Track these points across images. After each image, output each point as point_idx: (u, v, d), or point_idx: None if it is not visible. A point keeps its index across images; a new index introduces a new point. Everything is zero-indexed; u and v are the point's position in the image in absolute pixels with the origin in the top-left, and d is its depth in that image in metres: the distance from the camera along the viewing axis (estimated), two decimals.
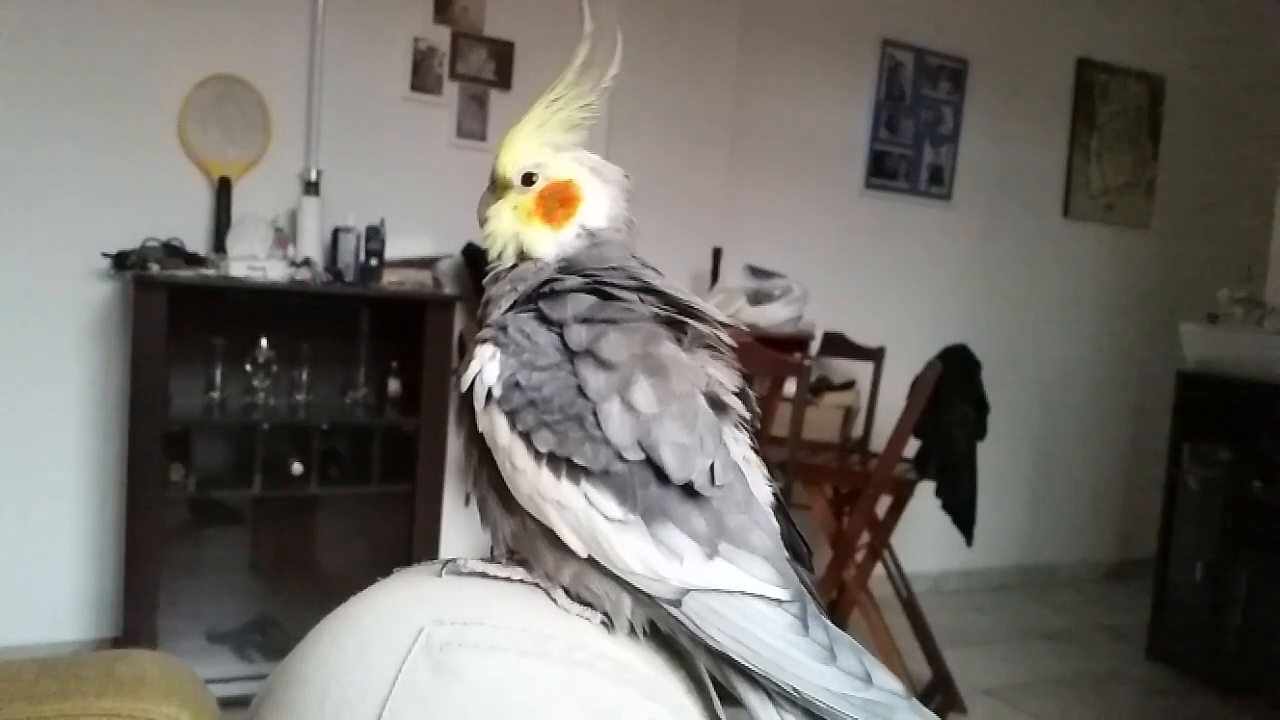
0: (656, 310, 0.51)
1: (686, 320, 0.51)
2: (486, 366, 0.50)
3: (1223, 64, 4.36)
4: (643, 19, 3.23)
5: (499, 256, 0.54)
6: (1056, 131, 4.18)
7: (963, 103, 3.91)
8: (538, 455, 0.48)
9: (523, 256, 0.54)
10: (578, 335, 0.49)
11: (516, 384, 0.49)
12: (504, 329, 0.51)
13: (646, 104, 3.23)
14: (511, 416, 0.48)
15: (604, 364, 0.48)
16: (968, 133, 3.93)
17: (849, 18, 3.67)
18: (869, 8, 3.71)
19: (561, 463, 0.47)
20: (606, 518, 0.47)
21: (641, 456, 0.47)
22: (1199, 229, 4.40)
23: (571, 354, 0.48)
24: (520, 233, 0.54)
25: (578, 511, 0.47)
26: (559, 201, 0.53)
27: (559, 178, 0.54)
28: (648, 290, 0.52)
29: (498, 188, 0.55)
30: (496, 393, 0.49)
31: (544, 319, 0.50)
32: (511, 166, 0.54)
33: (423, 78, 2.97)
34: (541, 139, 0.54)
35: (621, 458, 0.47)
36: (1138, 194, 4.39)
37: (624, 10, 3.20)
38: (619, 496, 0.47)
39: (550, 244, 0.53)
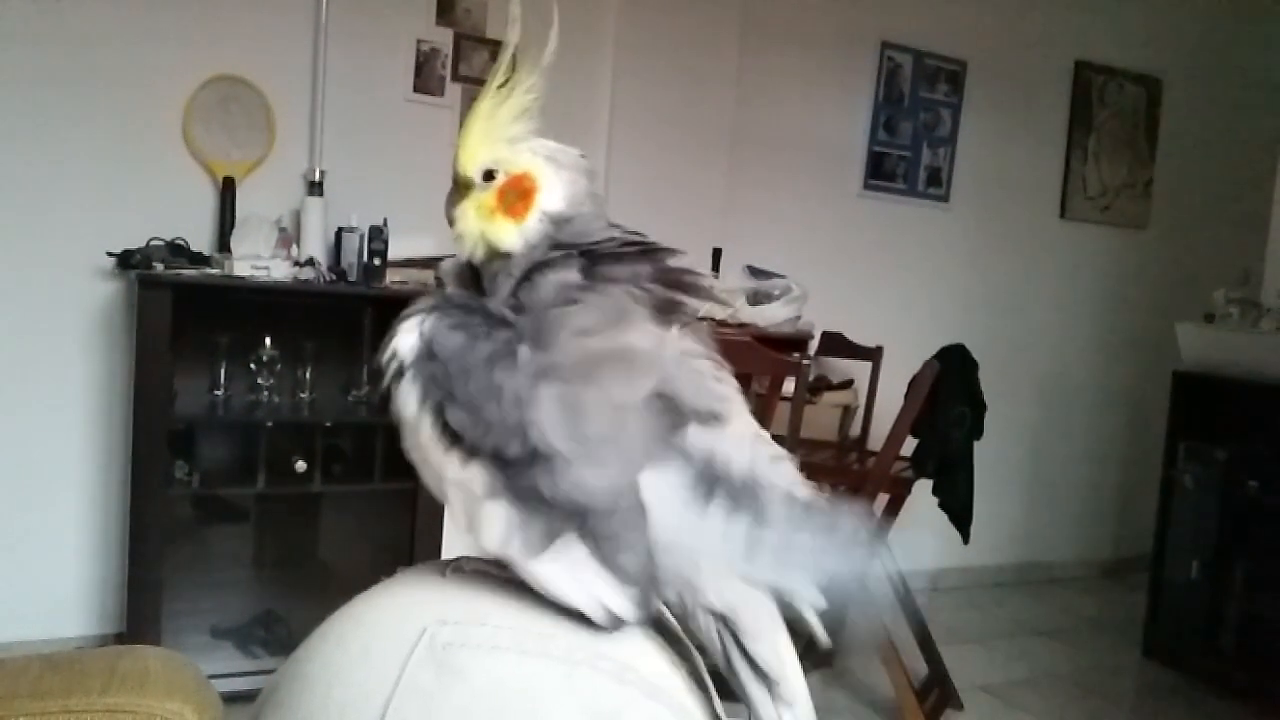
0: (648, 286, 0.51)
1: (678, 296, 0.51)
2: (403, 340, 0.51)
3: (1220, 65, 4.37)
4: (643, 19, 3.23)
5: (471, 255, 0.55)
6: (1054, 133, 4.18)
7: (961, 105, 3.91)
8: (442, 436, 0.48)
9: (493, 253, 0.54)
10: (525, 320, 0.49)
11: (431, 355, 0.49)
12: (433, 303, 0.51)
13: (646, 104, 3.24)
14: (422, 391, 0.49)
15: (541, 347, 0.48)
16: (966, 134, 3.94)
17: (848, 20, 3.67)
18: (868, 10, 3.71)
19: (461, 442, 0.48)
20: (477, 493, 0.48)
21: (538, 445, 0.46)
22: (1195, 230, 4.41)
23: (512, 331, 0.49)
24: (485, 229, 0.54)
25: (461, 485, 0.48)
26: (517, 194, 0.54)
27: (515, 170, 0.54)
28: (645, 251, 0.52)
29: (460, 188, 0.55)
30: (407, 363, 0.50)
31: (485, 309, 0.51)
32: (471, 165, 0.54)
33: (425, 79, 2.99)
34: (495, 133, 0.54)
35: (521, 442, 0.46)
36: (1135, 195, 4.39)
37: (624, 10, 3.22)
38: (498, 474, 0.47)
39: (515, 235, 0.53)
